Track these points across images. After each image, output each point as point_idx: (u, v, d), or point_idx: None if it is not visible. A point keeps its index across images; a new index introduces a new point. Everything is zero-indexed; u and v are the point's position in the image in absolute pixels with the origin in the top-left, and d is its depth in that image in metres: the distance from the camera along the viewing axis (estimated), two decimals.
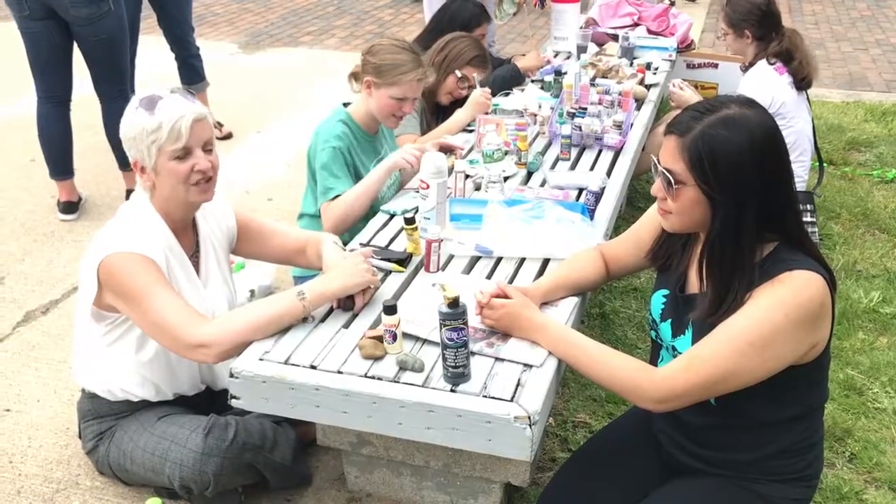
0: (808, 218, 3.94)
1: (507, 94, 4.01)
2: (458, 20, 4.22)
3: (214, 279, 2.46)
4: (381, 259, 2.48)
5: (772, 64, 3.88)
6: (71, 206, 4.35)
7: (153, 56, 5.71)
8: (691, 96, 4.04)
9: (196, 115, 2.20)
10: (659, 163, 1.80)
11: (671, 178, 1.76)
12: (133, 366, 2.36)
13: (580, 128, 3.48)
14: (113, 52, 4.12)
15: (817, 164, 4.26)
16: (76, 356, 2.47)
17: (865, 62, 7.28)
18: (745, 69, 4.07)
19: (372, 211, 2.98)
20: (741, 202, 1.71)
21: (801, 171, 3.94)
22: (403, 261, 2.50)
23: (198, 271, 2.41)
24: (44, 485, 2.56)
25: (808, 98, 4.05)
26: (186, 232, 2.39)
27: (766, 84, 3.83)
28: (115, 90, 4.12)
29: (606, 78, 4.23)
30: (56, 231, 4.22)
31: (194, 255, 2.41)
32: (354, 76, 3.15)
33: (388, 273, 2.47)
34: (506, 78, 4.18)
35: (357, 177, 3.05)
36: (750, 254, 1.75)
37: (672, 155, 1.76)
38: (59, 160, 4.32)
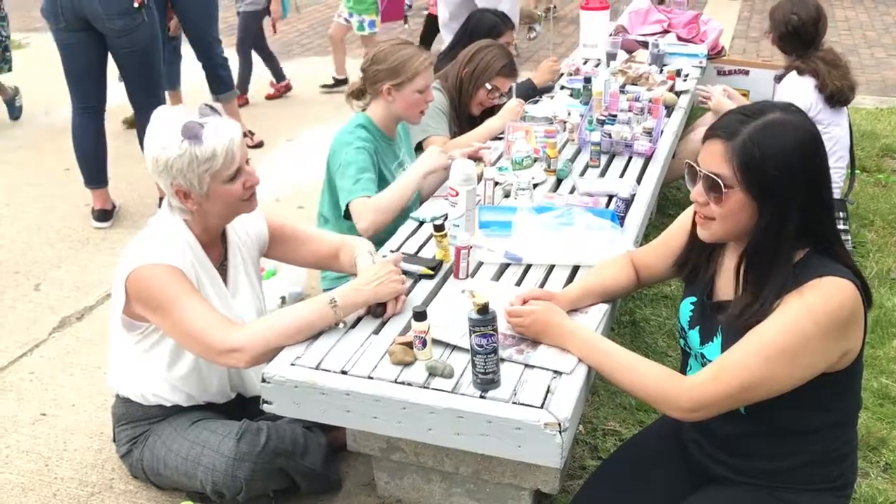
0: (840, 225, 3.89)
1: (536, 102, 4.01)
2: (479, 33, 4.17)
3: (242, 288, 2.47)
4: (411, 264, 2.50)
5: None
6: (105, 214, 4.42)
7: (182, 66, 5.77)
8: (729, 104, 3.98)
9: (240, 134, 2.23)
10: (700, 167, 1.80)
11: (720, 182, 1.75)
12: (164, 376, 2.39)
13: (610, 135, 3.47)
14: (147, 64, 4.18)
15: (849, 171, 4.21)
16: (111, 361, 2.50)
17: None
18: (778, 79, 4.03)
19: (402, 216, 2.99)
20: (786, 207, 1.71)
21: (837, 177, 3.90)
22: (433, 267, 2.51)
23: (226, 281, 2.42)
24: (79, 488, 2.60)
25: (847, 111, 4.01)
26: (215, 243, 2.41)
27: (803, 91, 3.80)
28: (150, 100, 4.17)
29: (636, 85, 4.22)
30: (91, 238, 4.29)
31: (222, 265, 2.43)
32: (357, 94, 3.16)
33: (418, 279, 2.49)
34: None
35: (381, 180, 3.06)
36: (788, 259, 1.74)
37: (718, 159, 1.75)
38: (94, 169, 4.39)
